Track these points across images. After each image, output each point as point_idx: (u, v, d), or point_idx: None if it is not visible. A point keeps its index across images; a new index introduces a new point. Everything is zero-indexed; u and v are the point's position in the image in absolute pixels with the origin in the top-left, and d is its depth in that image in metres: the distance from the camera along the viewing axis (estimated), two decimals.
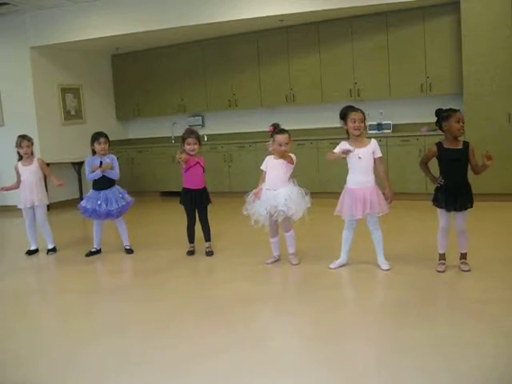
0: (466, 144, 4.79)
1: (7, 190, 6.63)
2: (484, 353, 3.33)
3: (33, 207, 6.55)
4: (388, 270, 5.08)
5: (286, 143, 5.36)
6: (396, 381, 3.07)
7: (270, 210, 5.32)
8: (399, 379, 3.08)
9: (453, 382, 3.02)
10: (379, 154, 5.03)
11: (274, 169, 5.39)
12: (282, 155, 5.31)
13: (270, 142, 5.39)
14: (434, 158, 4.86)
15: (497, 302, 4.16)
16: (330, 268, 5.21)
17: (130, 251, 6.42)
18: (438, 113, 4.85)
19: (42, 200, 6.56)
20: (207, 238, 6.15)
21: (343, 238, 5.23)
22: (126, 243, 6.47)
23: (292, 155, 5.39)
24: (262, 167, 5.49)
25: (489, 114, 7.92)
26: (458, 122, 4.70)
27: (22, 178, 6.51)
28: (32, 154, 6.57)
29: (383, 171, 5.09)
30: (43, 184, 6.63)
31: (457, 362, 3.21)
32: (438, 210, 4.87)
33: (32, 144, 6.55)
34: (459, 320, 3.88)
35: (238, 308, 4.40)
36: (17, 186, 6.56)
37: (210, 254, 6.09)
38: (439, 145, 4.80)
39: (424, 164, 4.94)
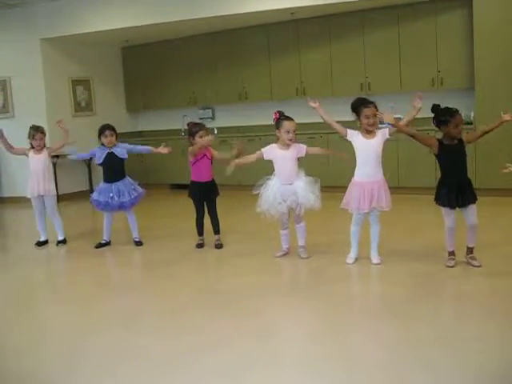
0: (459, 140, 4.76)
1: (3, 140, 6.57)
2: (491, 348, 3.32)
3: (42, 197, 6.56)
4: (378, 264, 5.08)
5: (294, 130, 5.32)
6: (402, 375, 3.07)
7: (290, 205, 5.30)
8: (405, 374, 3.07)
9: (459, 377, 3.02)
10: (389, 130, 5.03)
11: (286, 162, 5.34)
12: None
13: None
14: (431, 154, 4.86)
15: (505, 297, 4.15)
16: (348, 264, 5.18)
17: (139, 243, 6.43)
18: (435, 111, 4.77)
19: (50, 190, 6.56)
20: (216, 231, 6.15)
21: (351, 233, 5.20)
22: (136, 235, 6.48)
23: (299, 145, 5.40)
24: (264, 152, 5.37)
25: (500, 109, 7.75)
26: (457, 126, 4.65)
27: (30, 167, 6.51)
28: (44, 146, 6.58)
29: (404, 126, 4.99)
30: (51, 174, 6.62)
31: (464, 358, 3.20)
32: (443, 209, 4.84)
33: (45, 135, 6.56)
34: (467, 315, 3.88)
35: (246, 301, 4.41)
36: (7, 146, 6.58)
37: (219, 246, 6.09)
38: (439, 141, 4.78)
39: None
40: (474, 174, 4.88)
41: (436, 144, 4.76)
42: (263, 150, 5.39)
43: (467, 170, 4.80)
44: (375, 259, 5.13)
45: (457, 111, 4.71)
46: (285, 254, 5.62)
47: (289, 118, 5.34)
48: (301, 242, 5.56)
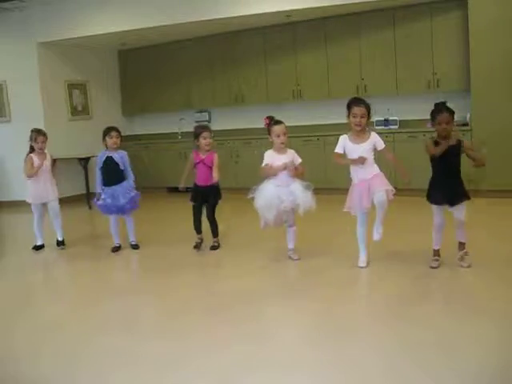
0: (459, 141, 4.78)
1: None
2: (490, 349, 3.32)
3: (42, 202, 6.56)
4: (378, 240, 5.03)
5: (284, 133, 5.35)
6: (401, 378, 3.07)
7: (286, 206, 5.29)
8: (404, 376, 3.08)
9: (458, 378, 3.02)
10: (382, 146, 4.97)
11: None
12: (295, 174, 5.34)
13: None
14: (427, 155, 4.86)
15: (500, 297, 4.17)
16: (362, 267, 5.11)
17: (135, 247, 6.43)
18: (434, 107, 4.84)
19: (54, 194, 6.56)
20: (214, 235, 6.17)
21: (358, 235, 5.15)
22: (133, 239, 6.48)
23: (294, 152, 5.43)
24: (266, 164, 5.36)
25: (496, 111, 7.89)
26: (440, 124, 4.68)
27: (38, 174, 6.49)
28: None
29: (392, 159, 5.02)
30: (54, 179, 6.61)
31: (461, 359, 3.21)
32: (433, 207, 4.89)
33: (46, 138, 6.53)
34: (463, 316, 3.88)
35: (243, 304, 4.41)
36: (34, 173, 6.41)
37: (214, 248, 6.11)
38: (435, 142, 4.80)
39: (435, 151, 4.84)
40: (469, 175, 4.88)
41: (431, 145, 4.80)
42: (264, 164, 5.36)
43: (460, 171, 4.81)
44: (376, 235, 5.03)
45: (447, 110, 4.71)
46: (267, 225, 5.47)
47: (278, 122, 5.40)
48: (291, 245, 5.59)
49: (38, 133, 6.45)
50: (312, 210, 5.28)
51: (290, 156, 5.38)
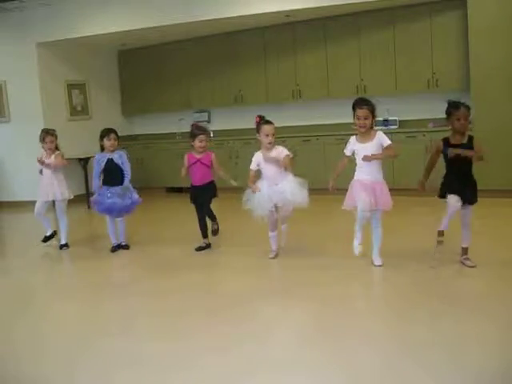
0: (470, 138, 4.78)
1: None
2: (491, 350, 3.32)
3: (48, 201, 6.57)
4: (380, 265, 5.08)
5: (273, 134, 5.42)
6: (400, 377, 3.07)
7: (277, 203, 5.37)
8: (403, 376, 3.08)
9: (459, 379, 3.02)
10: (387, 142, 4.96)
11: (270, 164, 5.43)
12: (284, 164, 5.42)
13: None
14: (428, 155, 4.88)
15: (500, 297, 4.17)
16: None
17: (126, 247, 6.46)
18: (448, 103, 4.84)
19: (63, 194, 6.56)
20: (213, 219, 6.19)
21: (356, 229, 5.06)
22: (123, 239, 6.49)
23: (282, 148, 5.48)
24: (252, 167, 5.51)
25: (496, 110, 7.89)
26: (459, 119, 4.67)
27: (43, 172, 6.51)
28: (56, 148, 6.55)
29: (393, 153, 5.02)
30: (63, 178, 6.61)
31: (462, 359, 3.21)
32: (448, 199, 4.69)
33: (56, 138, 6.52)
34: (463, 316, 3.88)
35: (243, 304, 4.42)
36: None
37: (214, 232, 6.17)
38: (445, 140, 4.80)
39: (431, 165, 4.88)
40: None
41: (440, 147, 4.80)
42: (251, 167, 5.53)
43: (471, 169, 4.79)
44: (377, 261, 5.12)
45: (464, 106, 4.74)
46: (276, 255, 5.67)
47: (268, 122, 5.48)
48: (281, 243, 5.68)
49: (46, 133, 6.48)
50: (304, 205, 5.31)
51: (277, 152, 5.44)
